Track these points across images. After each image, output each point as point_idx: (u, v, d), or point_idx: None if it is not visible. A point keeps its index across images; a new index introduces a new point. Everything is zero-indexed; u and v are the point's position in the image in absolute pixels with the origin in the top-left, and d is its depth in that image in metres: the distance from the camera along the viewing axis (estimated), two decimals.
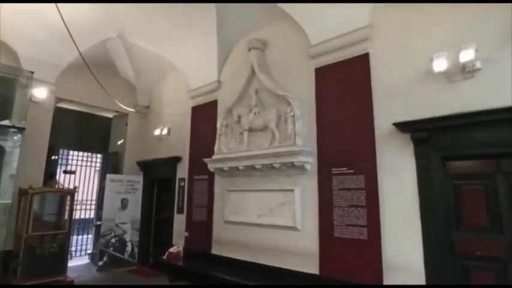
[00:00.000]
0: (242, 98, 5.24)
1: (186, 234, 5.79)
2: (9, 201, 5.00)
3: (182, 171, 6.24)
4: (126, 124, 7.36)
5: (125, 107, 6.04)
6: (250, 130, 4.96)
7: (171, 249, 5.79)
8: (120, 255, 6.57)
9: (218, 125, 5.40)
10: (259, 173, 4.75)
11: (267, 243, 4.54)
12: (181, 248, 5.78)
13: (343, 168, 3.88)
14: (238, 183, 5.08)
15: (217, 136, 5.40)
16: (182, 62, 6.29)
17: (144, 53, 6.60)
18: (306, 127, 4.33)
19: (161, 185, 7.11)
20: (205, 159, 5.32)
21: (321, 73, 4.30)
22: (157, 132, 6.91)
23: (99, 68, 5.94)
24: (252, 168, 4.73)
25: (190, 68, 6.21)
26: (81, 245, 7.63)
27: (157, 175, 7.02)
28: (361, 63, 3.92)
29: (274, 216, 4.53)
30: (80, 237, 7.72)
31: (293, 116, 4.39)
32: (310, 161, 4.20)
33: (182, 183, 6.14)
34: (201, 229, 5.53)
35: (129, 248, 6.73)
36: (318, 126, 4.24)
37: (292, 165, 4.25)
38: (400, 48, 3.63)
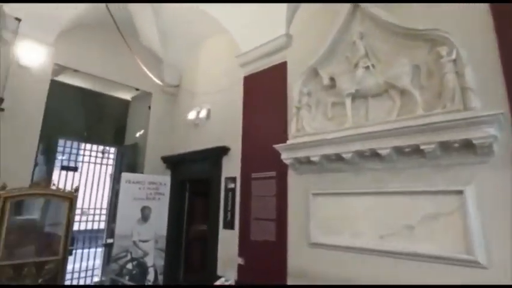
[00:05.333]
0: (334, 51, 3.37)
1: (240, 261, 3.85)
2: None
3: (230, 167, 4.35)
4: (149, 107, 5.55)
5: (152, 76, 4.22)
6: (356, 96, 3.08)
7: (218, 283, 3.86)
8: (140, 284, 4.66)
9: (294, 95, 3.53)
10: (379, 164, 2.83)
11: (400, 283, 2.58)
12: (232, 282, 3.84)
13: None
14: (333, 182, 3.16)
15: (292, 111, 3.54)
16: (229, 16, 4.48)
17: (175, 13, 4.86)
18: (478, 78, 2.42)
19: (196, 188, 5.23)
20: (277, 146, 3.43)
21: None
22: (192, 115, 5.08)
23: (114, 30, 4.17)
24: (365, 156, 2.84)
25: (241, 23, 4.38)
26: (86, 269, 5.72)
27: (191, 174, 5.14)
28: None
29: (415, 239, 2.58)
30: (82, 252, 5.79)
31: (454, 62, 2.48)
32: (498, 137, 2.26)
33: (231, 185, 4.24)
34: (267, 254, 3.59)
35: (151, 277, 4.81)
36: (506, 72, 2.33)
37: (463, 146, 2.34)
38: None
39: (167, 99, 5.73)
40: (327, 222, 3.15)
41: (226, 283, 3.86)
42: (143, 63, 4.55)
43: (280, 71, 3.96)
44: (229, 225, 4.12)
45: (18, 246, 3.51)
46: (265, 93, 4.10)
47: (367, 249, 2.82)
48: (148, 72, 4.17)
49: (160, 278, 4.87)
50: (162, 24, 5.21)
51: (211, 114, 4.95)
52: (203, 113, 4.95)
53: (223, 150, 4.43)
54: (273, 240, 3.56)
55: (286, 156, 3.39)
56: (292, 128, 3.46)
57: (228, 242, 4.11)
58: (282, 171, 3.62)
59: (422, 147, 2.46)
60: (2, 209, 3.16)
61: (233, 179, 4.22)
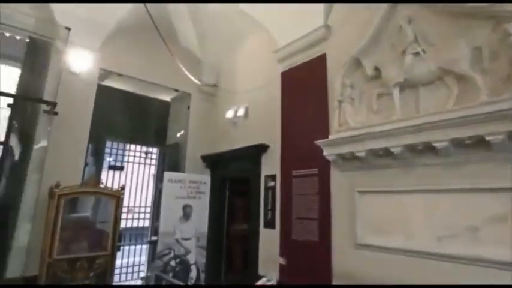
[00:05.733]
0: (378, 39, 3.12)
1: (282, 261, 3.75)
2: (32, 208, 3.43)
3: (270, 165, 4.27)
4: (189, 107, 5.65)
5: (190, 76, 4.26)
6: (405, 86, 2.83)
7: (260, 283, 3.80)
8: (183, 284, 4.75)
9: (336, 88, 3.36)
10: (433, 159, 2.57)
11: None
12: (274, 282, 3.75)
13: None
14: (381, 180, 2.94)
15: (333, 105, 3.37)
16: (266, 11, 4.40)
17: (212, 14, 4.89)
18: None
19: (236, 186, 5.24)
20: (318, 142, 3.28)
21: None
22: (230, 114, 5.07)
23: (154, 34, 4.29)
24: (417, 150, 2.59)
25: (278, 17, 4.28)
26: (133, 265, 5.99)
27: (230, 173, 5.15)
28: None
29: (480, 242, 2.30)
30: (129, 249, 6.08)
31: None
32: None
33: (271, 183, 4.15)
34: (309, 255, 3.45)
35: (193, 274, 4.89)
36: None
37: None
38: None
39: (206, 99, 5.80)
40: (375, 222, 2.94)
41: (268, 283, 3.78)
42: (182, 64, 4.63)
43: (319, 63, 3.79)
44: (270, 224, 4.04)
45: (72, 241, 3.75)
46: (304, 88, 3.95)
47: (422, 252, 2.57)
48: (186, 72, 4.22)
49: (203, 276, 4.92)
50: (200, 25, 5.27)
51: (249, 112, 4.90)
52: (241, 112, 4.92)
53: (262, 148, 4.36)
54: (315, 240, 3.41)
55: (328, 152, 3.22)
56: (334, 123, 3.28)
57: (269, 242, 4.03)
58: (324, 168, 3.45)
59: (488, 138, 2.18)
60: (57, 206, 3.37)
61: (273, 177, 4.13)
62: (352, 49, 3.25)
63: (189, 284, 4.79)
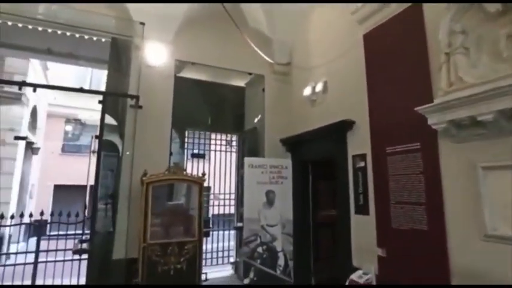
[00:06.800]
0: None
1: (381, 252, 3.24)
2: (126, 195, 3.68)
3: (358, 143, 3.73)
4: (263, 90, 5.42)
5: (263, 55, 4.03)
6: None
7: (354, 277, 3.37)
8: (271, 272, 4.62)
9: (441, 38, 2.63)
10: None
11: None
12: (372, 276, 3.27)
13: None
14: None
15: (437, 61, 2.66)
16: None
17: None
18: None
19: (319, 169, 4.85)
20: (421, 108, 2.64)
21: None
22: (307, 91, 4.65)
23: (221, 20, 4.18)
24: None
25: None
26: (222, 250, 6.16)
27: (313, 155, 4.75)
28: None
29: None
30: (218, 234, 6.29)
31: None
32: None
33: (361, 163, 3.62)
34: (417, 246, 2.86)
35: (281, 262, 4.71)
36: None
37: None
38: None
39: (280, 79, 5.47)
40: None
41: (365, 276, 3.32)
42: (254, 46, 4.44)
43: (413, 13, 3.07)
44: (362, 210, 3.54)
45: (169, 226, 3.96)
46: (393, 48, 3.28)
47: None
48: (259, 51, 3.99)
49: (291, 264, 4.71)
50: (266, 3, 4.95)
51: (328, 86, 4.39)
52: (319, 87, 4.44)
53: (346, 125, 3.84)
54: (423, 229, 2.80)
55: (436, 121, 2.56)
56: (441, 82, 2.58)
57: (362, 229, 3.54)
58: (428, 141, 2.79)
59: None
60: (146, 193, 3.54)
61: (362, 156, 3.59)
62: None
63: (277, 270, 4.64)
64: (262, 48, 4.78)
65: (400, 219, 3.03)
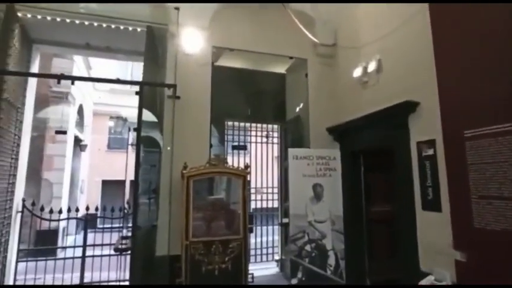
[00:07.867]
0: None
1: (459, 256, 2.72)
2: (167, 190, 3.51)
3: (423, 128, 3.20)
4: (306, 75, 4.99)
5: (309, 34, 3.64)
6: None
7: (425, 283, 2.89)
8: (321, 272, 4.25)
9: None
10: None
11: None
12: (449, 282, 2.77)
13: None
14: None
15: None
16: None
17: None
18: None
19: (372, 160, 4.35)
20: None
21: None
22: (357, 72, 4.15)
23: (258, 1, 3.86)
24: None
25: None
26: (266, 247, 5.89)
27: (364, 144, 4.26)
28: None
29: None
30: (261, 229, 6.02)
31: None
32: None
33: (429, 151, 3.09)
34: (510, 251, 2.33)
35: (332, 261, 4.32)
36: None
37: None
38: None
39: (324, 62, 5.00)
40: None
41: (437, 283, 2.83)
42: (296, 28, 4.05)
43: None
44: (432, 205, 3.02)
45: (210, 222, 3.73)
46: (471, 10, 2.70)
47: None
48: (304, 29, 3.59)
49: (342, 263, 4.29)
50: None
51: (382, 65, 3.87)
52: (372, 66, 3.93)
53: (409, 106, 3.31)
54: None
55: None
56: None
57: (432, 228, 3.03)
58: None
59: None
60: (187, 187, 3.33)
61: (431, 143, 3.06)
62: None
63: (327, 270, 4.25)
64: (304, 30, 4.36)
65: (486, 218, 2.49)
